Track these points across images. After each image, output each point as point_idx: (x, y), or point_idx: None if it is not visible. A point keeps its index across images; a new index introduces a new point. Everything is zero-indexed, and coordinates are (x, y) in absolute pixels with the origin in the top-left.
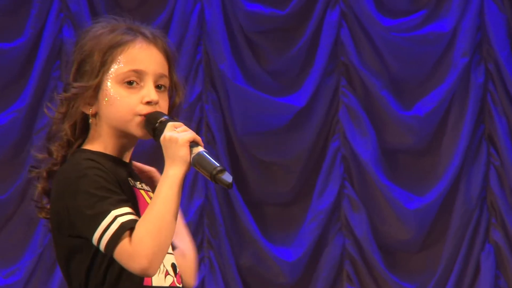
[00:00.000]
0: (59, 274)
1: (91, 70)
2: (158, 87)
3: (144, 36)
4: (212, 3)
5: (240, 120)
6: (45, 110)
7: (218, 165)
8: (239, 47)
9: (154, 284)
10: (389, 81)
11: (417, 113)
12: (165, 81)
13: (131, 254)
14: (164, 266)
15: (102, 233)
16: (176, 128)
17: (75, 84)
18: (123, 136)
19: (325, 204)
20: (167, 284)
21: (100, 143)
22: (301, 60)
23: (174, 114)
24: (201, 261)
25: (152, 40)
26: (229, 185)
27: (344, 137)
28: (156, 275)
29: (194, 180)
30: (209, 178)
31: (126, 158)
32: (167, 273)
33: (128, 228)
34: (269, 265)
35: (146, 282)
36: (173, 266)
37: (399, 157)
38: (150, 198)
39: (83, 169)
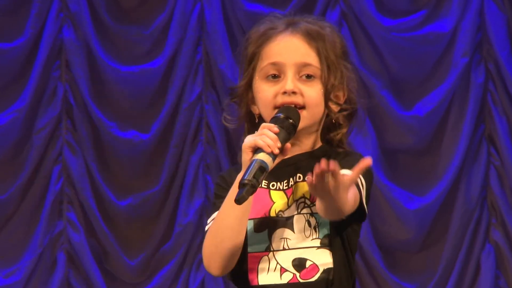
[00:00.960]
0: (59, 274)
1: (245, 68)
2: (307, 76)
3: (293, 28)
4: (212, 3)
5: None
6: (224, 122)
7: (245, 178)
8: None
9: (261, 283)
10: (389, 81)
11: (417, 113)
12: (312, 70)
13: (202, 254)
14: (278, 263)
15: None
16: (257, 132)
17: (237, 85)
18: None
19: None
20: (284, 281)
21: None
22: None
23: (334, 98)
24: (201, 261)
25: (299, 31)
26: (236, 201)
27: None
28: (264, 274)
29: (194, 180)
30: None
31: (298, 150)
32: (283, 270)
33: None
34: None
35: (251, 281)
36: (297, 261)
37: (399, 157)
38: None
39: (216, 182)
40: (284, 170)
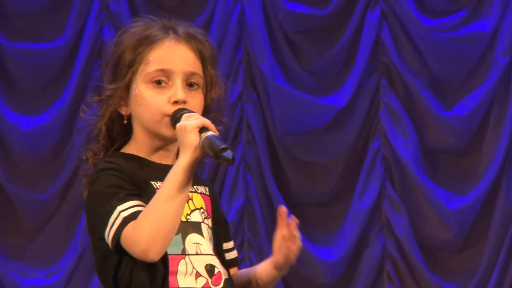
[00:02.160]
0: None
1: (122, 70)
2: (190, 85)
3: (176, 34)
4: (252, 3)
5: (280, 120)
6: (81, 114)
7: (221, 143)
8: (279, 47)
9: (181, 285)
10: (430, 81)
11: (458, 113)
12: (197, 79)
13: (132, 238)
14: (194, 267)
15: (109, 230)
16: (189, 117)
17: (108, 86)
18: (155, 137)
19: (365, 204)
20: (199, 286)
21: (134, 145)
22: (342, 60)
23: (213, 110)
24: (241, 261)
25: (184, 38)
26: (229, 161)
27: (385, 137)
28: (182, 277)
29: (235, 180)
30: (215, 159)
31: (166, 159)
32: (198, 275)
33: (130, 220)
34: (310, 265)
35: (171, 283)
36: (209, 267)
37: (440, 157)
38: None
39: (97, 172)
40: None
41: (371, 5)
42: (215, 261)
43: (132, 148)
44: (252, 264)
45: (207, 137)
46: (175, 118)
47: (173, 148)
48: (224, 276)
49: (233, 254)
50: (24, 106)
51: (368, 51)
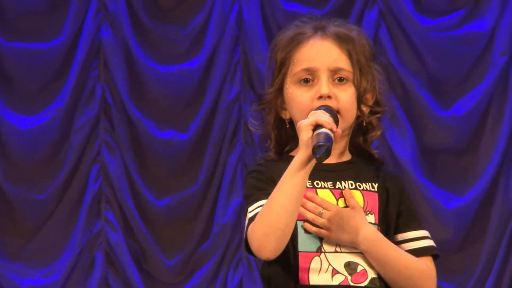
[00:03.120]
0: (97, 274)
1: (275, 73)
2: (339, 79)
3: (322, 32)
4: (250, 3)
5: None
6: (250, 126)
7: (321, 142)
8: None
9: (312, 282)
10: (428, 80)
11: (456, 112)
12: (344, 74)
13: (250, 238)
14: (330, 264)
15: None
16: (311, 115)
17: (266, 91)
18: None
19: None
20: (336, 283)
21: (297, 147)
22: None
23: (367, 101)
24: (239, 261)
25: (330, 35)
26: (318, 159)
27: (383, 137)
28: (316, 274)
29: (232, 180)
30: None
31: (336, 140)
32: (335, 272)
33: (253, 220)
34: None
35: (302, 280)
36: (349, 264)
37: (438, 156)
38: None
39: (245, 177)
40: (327, 173)
41: (369, 5)
42: (360, 258)
43: (295, 151)
44: (249, 264)
45: (317, 134)
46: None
47: (336, 146)
48: (371, 274)
49: (417, 244)
50: (22, 106)
51: None
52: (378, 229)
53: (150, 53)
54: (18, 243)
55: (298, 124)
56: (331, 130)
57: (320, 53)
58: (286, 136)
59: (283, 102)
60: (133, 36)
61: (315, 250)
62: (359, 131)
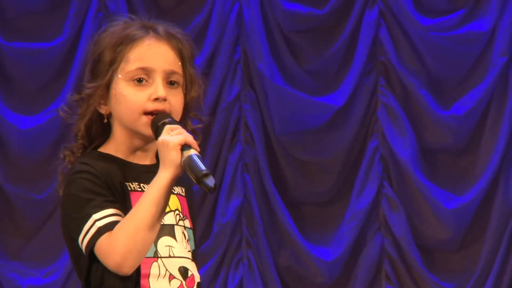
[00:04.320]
0: None
1: (102, 69)
2: (171, 83)
3: (155, 33)
4: (250, 3)
5: (278, 119)
6: (60, 113)
7: (204, 169)
8: (277, 46)
9: None
10: (427, 80)
11: (456, 112)
12: (177, 78)
13: (107, 251)
14: (167, 270)
15: (83, 237)
16: (172, 131)
17: (88, 85)
18: (134, 136)
19: (363, 204)
20: None
21: (113, 144)
22: (340, 60)
23: (191, 108)
24: (239, 260)
25: (164, 36)
26: (211, 190)
27: (383, 137)
28: (155, 280)
29: (233, 180)
30: (195, 182)
31: (144, 159)
32: (171, 277)
33: (105, 231)
34: (308, 265)
35: (143, 286)
36: (182, 269)
37: (438, 156)
38: None
39: (73, 174)
40: (147, 175)
41: (369, 5)
42: (188, 263)
43: (110, 148)
44: (250, 263)
45: (189, 157)
46: (156, 125)
47: (151, 147)
48: (196, 279)
49: None
50: (22, 106)
51: (366, 50)
52: (193, 233)
53: None
54: (18, 243)
55: (163, 140)
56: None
57: (157, 54)
58: (96, 131)
59: (106, 97)
60: None
61: (152, 255)
62: None
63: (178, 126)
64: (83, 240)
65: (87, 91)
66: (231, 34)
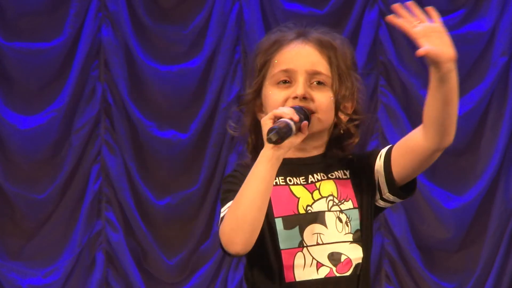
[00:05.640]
0: (98, 273)
1: (255, 76)
2: (318, 83)
3: (304, 37)
4: (250, 3)
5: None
6: (228, 128)
7: (272, 127)
8: None
9: (298, 279)
10: (427, 80)
11: None
12: (323, 78)
13: (220, 234)
14: (314, 258)
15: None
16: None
17: (245, 92)
18: None
19: None
20: (322, 276)
21: None
22: None
23: (345, 109)
24: (239, 261)
25: (311, 40)
26: (268, 139)
27: (383, 137)
28: (301, 270)
29: None
30: (268, 142)
31: (302, 153)
32: (319, 265)
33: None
34: None
35: (288, 278)
36: (333, 255)
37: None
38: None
39: (222, 183)
40: (300, 167)
41: (369, 5)
42: (343, 247)
43: None
44: None
45: (278, 122)
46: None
47: (310, 142)
48: (354, 262)
49: (385, 152)
50: (22, 106)
51: (366, 50)
52: (359, 212)
53: (150, 53)
54: (19, 243)
55: (261, 122)
56: (291, 119)
57: (299, 56)
58: (262, 142)
59: (261, 104)
60: (134, 36)
61: (297, 245)
62: (337, 140)
63: (284, 107)
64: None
65: (244, 99)
66: (231, 34)
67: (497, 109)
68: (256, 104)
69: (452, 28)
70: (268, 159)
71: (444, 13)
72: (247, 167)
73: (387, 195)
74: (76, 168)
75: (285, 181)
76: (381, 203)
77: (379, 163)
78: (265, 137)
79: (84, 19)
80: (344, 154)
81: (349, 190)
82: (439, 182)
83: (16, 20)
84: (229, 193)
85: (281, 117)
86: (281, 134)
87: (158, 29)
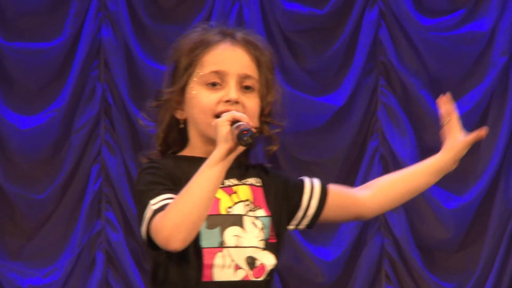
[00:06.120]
0: (98, 273)
1: (179, 74)
2: (245, 87)
3: (232, 38)
4: (250, 3)
5: (278, 119)
6: (140, 122)
7: (243, 128)
8: (277, 46)
9: (216, 279)
10: (428, 80)
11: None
12: (252, 82)
13: (157, 227)
14: (233, 260)
15: (142, 224)
16: (223, 116)
17: (165, 90)
18: (208, 142)
19: None
20: (238, 279)
21: (189, 148)
22: (340, 60)
23: (268, 114)
24: None
25: (240, 42)
26: (248, 144)
27: (383, 137)
28: (219, 270)
29: None
30: (239, 144)
31: None
32: (237, 267)
33: (159, 211)
34: (308, 265)
35: (205, 277)
36: (249, 259)
37: None
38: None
39: (139, 172)
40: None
41: (369, 5)
42: (258, 253)
43: (185, 152)
44: None
45: (236, 126)
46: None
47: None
48: (269, 267)
49: (311, 184)
50: (22, 106)
51: (366, 50)
52: (272, 221)
53: (150, 53)
54: (18, 243)
55: (213, 123)
56: (248, 124)
57: (231, 58)
58: (174, 137)
59: (182, 102)
60: (134, 36)
61: (217, 245)
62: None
63: (232, 111)
64: (142, 227)
65: (164, 96)
66: None
67: (497, 109)
68: (176, 101)
69: (452, 28)
70: (221, 158)
71: (444, 13)
72: (165, 160)
73: (302, 226)
74: (76, 168)
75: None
76: (290, 228)
77: (313, 203)
78: (223, 137)
79: (84, 19)
80: (257, 162)
81: (262, 199)
82: (439, 182)
83: (16, 20)
84: (155, 185)
85: (239, 121)
86: (254, 137)
87: (158, 29)
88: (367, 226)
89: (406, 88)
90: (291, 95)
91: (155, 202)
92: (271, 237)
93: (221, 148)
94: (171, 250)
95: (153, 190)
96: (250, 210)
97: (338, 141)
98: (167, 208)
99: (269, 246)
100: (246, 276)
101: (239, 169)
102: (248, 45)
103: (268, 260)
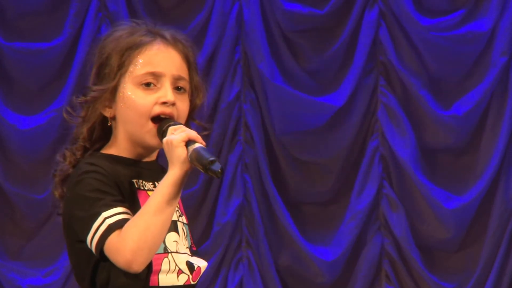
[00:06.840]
0: None
1: (109, 73)
2: (177, 88)
3: (163, 38)
4: (250, 3)
5: (278, 119)
6: (64, 114)
7: (208, 156)
8: (277, 46)
9: (162, 284)
10: (428, 80)
11: (456, 112)
12: (184, 84)
13: (117, 248)
14: (176, 265)
15: (93, 235)
16: (175, 131)
17: (94, 88)
18: (138, 145)
19: (363, 204)
20: (181, 283)
21: (115, 147)
22: (340, 60)
23: (195, 116)
24: (239, 260)
25: (171, 42)
26: (218, 174)
27: (383, 137)
28: (164, 275)
29: (233, 180)
30: (203, 172)
31: (145, 158)
32: (180, 272)
33: (115, 228)
34: (308, 265)
35: (152, 282)
36: (189, 264)
37: (438, 156)
38: None
39: (80, 174)
40: (148, 172)
41: (369, 5)
42: (191, 258)
43: (112, 151)
44: (250, 264)
45: (194, 150)
46: (161, 130)
47: (151, 152)
48: (203, 270)
49: None
50: (22, 106)
51: (366, 50)
52: (189, 229)
53: None
54: (18, 243)
55: (167, 140)
56: (202, 144)
57: (165, 59)
58: (98, 134)
59: (112, 100)
60: None
61: (162, 251)
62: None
63: (181, 125)
64: (93, 239)
65: (93, 94)
66: (231, 34)
67: (497, 109)
68: (106, 98)
69: (452, 28)
70: (180, 181)
71: (444, 13)
72: (103, 162)
73: None
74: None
75: (143, 187)
76: None
77: None
78: (180, 159)
79: (84, 19)
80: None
81: (182, 205)
82: (439, 182)
83: (16, 20)
84: (105, 194)
85: (194, 141)
86: (223, 169)
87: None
88: (367, 226)
89: (406, 88)
90: (291, 95)
91: (108, 215)
92: (193, 245)
93: (178, 169)
94: (131, 272)
95: (103, 200)
96: (180, 216)
97: (338, 141)
98: (128, 229)
99: (193, 253)
100: (188, 280)
101: (162, 172)
102: (178, 45)
103: (202, 263)
